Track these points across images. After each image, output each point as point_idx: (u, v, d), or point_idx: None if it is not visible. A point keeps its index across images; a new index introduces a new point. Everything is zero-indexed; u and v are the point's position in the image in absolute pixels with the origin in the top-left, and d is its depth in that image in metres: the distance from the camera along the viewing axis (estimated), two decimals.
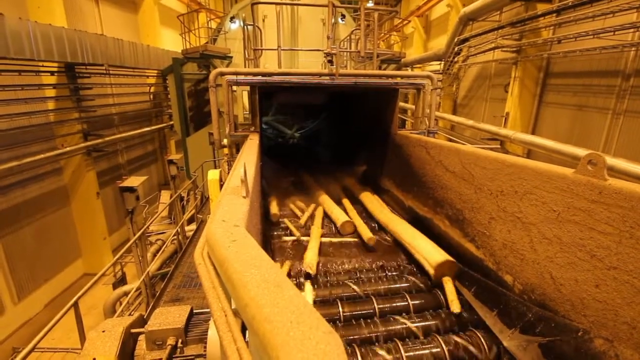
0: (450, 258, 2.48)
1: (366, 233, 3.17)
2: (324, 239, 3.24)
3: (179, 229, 7.36)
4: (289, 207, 3.96)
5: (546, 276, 1.85)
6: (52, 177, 9.71)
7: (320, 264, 2.84)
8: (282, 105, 8.65)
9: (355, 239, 3.27)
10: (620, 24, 5.84)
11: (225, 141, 3.83)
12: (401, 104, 12.21)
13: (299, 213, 3.73)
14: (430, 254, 2.56)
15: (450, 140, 9.90)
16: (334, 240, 3.26)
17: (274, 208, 3.68)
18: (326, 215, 3.86)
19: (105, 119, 11.67)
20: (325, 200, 4.05)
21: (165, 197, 12.42)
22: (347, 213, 3.81)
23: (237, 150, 3.87)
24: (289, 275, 2.73)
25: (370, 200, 3.97)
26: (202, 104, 12.20)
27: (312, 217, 3.68)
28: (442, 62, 11.75)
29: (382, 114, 4.43)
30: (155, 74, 14.24)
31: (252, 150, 2.81)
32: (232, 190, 1.69)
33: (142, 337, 2.41)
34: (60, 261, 9.89)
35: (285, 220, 3.49)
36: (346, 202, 4.09)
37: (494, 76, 10.42)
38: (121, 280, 7.71)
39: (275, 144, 8.56)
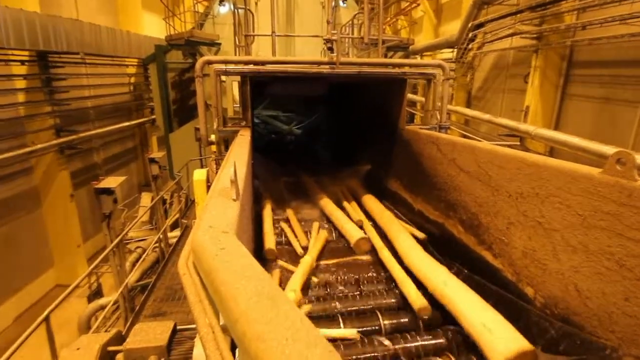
0: (530, 346, 1.77)
1: (411, 292, 2.46)
2: (326, 262, 3.09)
3: (161, 236, 7.35)
4: (283, 216, 3.93)
5: (570, 288, 1.85)
6: (22, 177, 9.69)
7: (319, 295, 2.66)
8: (276, 98, 8.66)
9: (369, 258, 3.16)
10: None
11: (212, 137, 3.83)
12: (409, 95, 12.21)
13: (295, 241, 3.38)
14: (499, 335, 1.77)
15: (464, 136, 9.90)
16: (343, 260, 3.09)
17: (269, 241, 3.18)
18: (328, 220, 3.85)
19: (80, 113, 11.64)
20: (328, 205, 4.01)
21: (146, 199, 12.40)
22: (349, 216, 3.82)
23: (226, 148, 3.87)
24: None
25: (381, 215, 3.75)
26: (188, 96, 12.20)
27: (307, 233, 3.57)
28: (455, 50, 11.76)
29: (388, 107, 4.43)
30: (135, 63, 14.24)
31: (243, 147, 2.81)
32: (220, 192, 1.69)
33: (120, 356, 2.40)
34: (30, 271, 9.86)
35: (281, 262, 3.03)
36: (355, 208, 3.98)
37: (512, 65, 10.43)
38: (97, 293, 7.69)
39: (269, 141, 8.56)
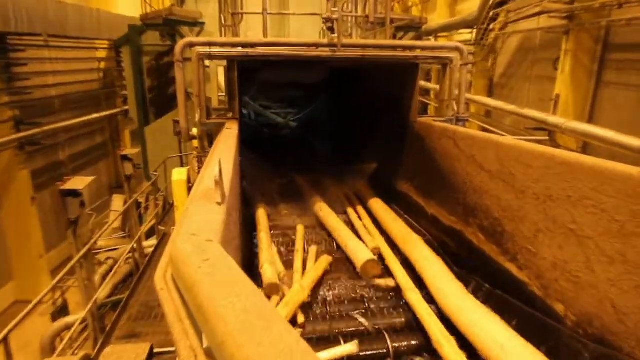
0: None
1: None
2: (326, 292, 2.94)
3: (135, 245, 7.34)
4: (276, 229, 3.91)
5: (606, 304, 1.85)
6: None
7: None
8: (268, 86, 8.66)
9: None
10: None
11: (194, 131, 3.83)
12: (422, 83, 12.21)
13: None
14: None
15: (485, 130, 9.91)
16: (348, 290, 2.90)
17: (269, 272, 2.84)
18: (329, 235, 3.84)
19: (43, 103, 11.63)
20: (330, 218, 3.93)
21: (117, 203, 12.38)
22: (358, 233, 3.71)
23: (210, 143, 3.88)
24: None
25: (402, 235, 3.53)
26: (166, 84, 12.21)
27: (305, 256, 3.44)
28: (474, 31, 11.76)
29: (397, 97, 4.43)
30: (106, 46, 14.22)
31: (229, 142, 2.81)
32: (203, 195, 1.69)
33: None
34: None
35: (275, 299, 2.75)
36: (371, 228, 3.87)
37: (539, 49, 10.44)
38: (62, 310, 7.67)
39: (260, 135, 8.57)
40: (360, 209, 4.27)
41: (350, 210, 4.19)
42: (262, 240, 3.45)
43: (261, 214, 4.02)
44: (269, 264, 2.97)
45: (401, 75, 4.36)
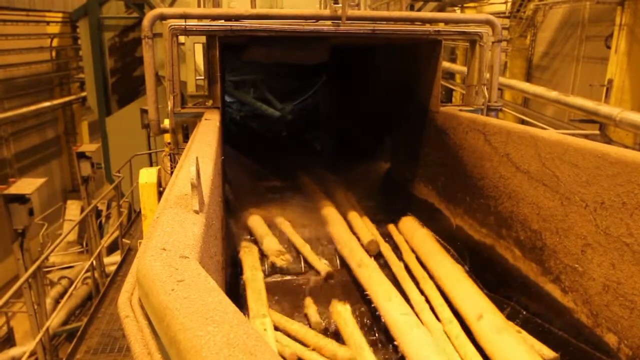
0: None
1: None
2: None
3: (94, 262, 7.33)
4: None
5: None
6: None
7: None
8: (257, 68, 8.66)
9: None
10: None
11: (166, 123, 3.83)
12: (445, 64, 12.19)
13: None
14: None
15: (522, 122, 9.91)
16: None
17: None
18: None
19: None
20: (352, 253, 3.65)
21: (73, 210, 12.38)
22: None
23: (186, 138, 3.87)
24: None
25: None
26: (132, 65, 12.17)
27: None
28: (509, 1, 11.77)
29: (415, 81, 4.44)
30: (59, 19, 14.23)
31: (209, 137, 2.81)
32: (177, 201, 1.69)
33: None
34: None
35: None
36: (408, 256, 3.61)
37: (588, 23, 10.44)
38: (7, 340, 7.66)
39: (246, 128, 8.57)
40: (394, 232, 4.04)
41: (366, 233, 3.94)
42: (248, 284, 3.28)
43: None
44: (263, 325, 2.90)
45: (420, 55, 4.36)
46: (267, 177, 5.55)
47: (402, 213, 4.45)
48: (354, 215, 4.28)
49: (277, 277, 3.66)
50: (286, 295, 3.45)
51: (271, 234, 3.97)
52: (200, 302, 1.03)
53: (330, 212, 4.30)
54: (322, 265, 3.67)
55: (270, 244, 3.83)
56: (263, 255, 3.78)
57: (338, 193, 4.78)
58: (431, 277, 3.32)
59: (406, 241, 3.93)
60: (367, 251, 3.69)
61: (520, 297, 2.78)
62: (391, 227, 4.19)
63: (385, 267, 3.58)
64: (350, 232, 3.97)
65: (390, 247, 3.86)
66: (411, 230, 3.97)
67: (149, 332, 1.14)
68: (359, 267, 3.46)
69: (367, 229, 4.06)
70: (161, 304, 1.06)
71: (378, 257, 3.71)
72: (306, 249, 3.85)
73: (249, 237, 4.07)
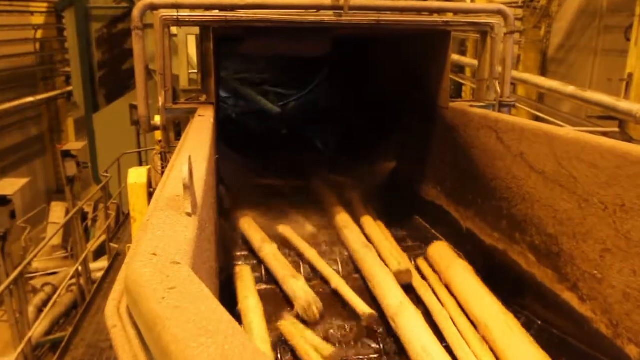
0: None
1: None
2: None
3: (80, 268, 7.35)
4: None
5: None
6: None
7: None
8: (253, 61, 8.67)
9: None
10: None
11: (157, 119, 3.84)
12: (455, 57, 12.17)
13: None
14: None
15: (537, 119, 9.90)
16: None
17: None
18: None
19: None
20: (381, 283, 3.28)
21: (57, 213, 12.40)
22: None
23: (178, 135, 3.88)
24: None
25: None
26: (121, 58, 12.20)
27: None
28: None
29: (422, 75, 4.45)
30: (44, 9, 14.24)
31: (202, 134, 2.82)
32: (168, 203, 1.70)
33: None
34: None
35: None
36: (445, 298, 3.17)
37: (607, 13, 10.43)
38: None
39: (242, 125, 8.57)
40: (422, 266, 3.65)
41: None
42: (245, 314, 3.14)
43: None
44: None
45: (427, 48, 4.36)
46: (265, 176, 5.55)
47: (409, 216, 4.46)
48: (373, 229, 4.02)
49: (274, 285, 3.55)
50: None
51: (285, 261, 3.62)
52: (193, 311, 1.04)
53: (344, 220, 4.14)
54: (363, 306, 3.12)
55: (297, 289, 3.27)
56: (260, 263, 3.77)
57: (353, 199, 4.69)
58: (475, 325, 2.90)
59: (436, 272, 3.49)
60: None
61: (534, 306, 2.79)
62: (420, 261, 3.73)
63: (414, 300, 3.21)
64: (377, 256, 3.55)
65: (421, 278, 3.46)
66: (445, 260, 3.52)
67: (138, 343, 1.14)
68: (396, 316, 2.94)
69: (395, 250, 3.67)
70: (151, 313, 1.07)
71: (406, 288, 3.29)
72: (338, 282, 3.40)
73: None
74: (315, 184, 5.14)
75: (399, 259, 3.53)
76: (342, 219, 4.20)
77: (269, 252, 3.72)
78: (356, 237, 3.88)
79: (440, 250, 3.66)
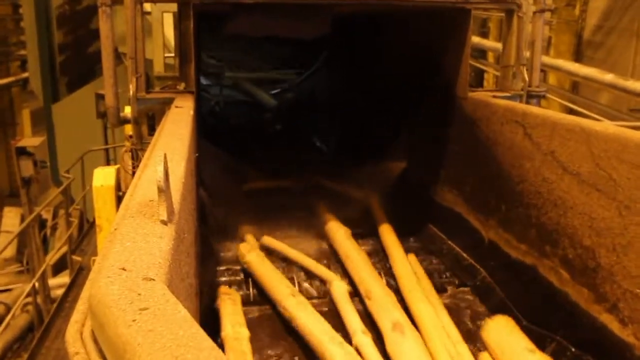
0: None
1: None
2: None
3: (36, 284, 7.32)
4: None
5: None
6: None
7: None
8: (240, 43, 8.66)
9: None
10: None
11: (127, 111, 3.83)
12: (475, 39, 12.19)
13: None
14: None
15: (571, 112, 9.92)
16: None
17: None
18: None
19: None
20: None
21: (11, 220, 12.38)
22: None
23: (152, 130, 3.86)
24: None
25: None
26: (85, 40, 12.19)
27: None
28: None
29: (437, 61, 4.45)
30: None
31: (180, 129, 2.81)
32: (140, 209, 1.69)
33: None
34: None
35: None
36: None
37: None
38: None
39: (226, 117, 8.58)
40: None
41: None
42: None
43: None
44: None
45: (444, 29, 4.36)
46: (254, 179, 5.54)
47: (421, 224, 4.44)
48: (409, 282, 3.60)
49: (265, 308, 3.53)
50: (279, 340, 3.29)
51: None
52: (168, 336, 1.03)
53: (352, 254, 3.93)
54: None
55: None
56: (247, 278, 3.76)
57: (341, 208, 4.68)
58: None
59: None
60: None
61: (567, 330, 2.78)
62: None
63: None
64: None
65: None
66: (508, 346, 3.00)
67: None
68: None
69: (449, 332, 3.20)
70: (120, 339, 1.06)
71: None
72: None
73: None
74: (316, 204, 4.93)
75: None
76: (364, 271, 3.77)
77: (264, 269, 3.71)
78: (390, 306, 3.33)
79: (500, 328, 3.08)
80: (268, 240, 4.20)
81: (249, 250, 3.87)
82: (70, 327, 1.28)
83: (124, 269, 1.31)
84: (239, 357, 2.95)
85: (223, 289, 3.64)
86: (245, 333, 3.15)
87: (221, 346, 3.05)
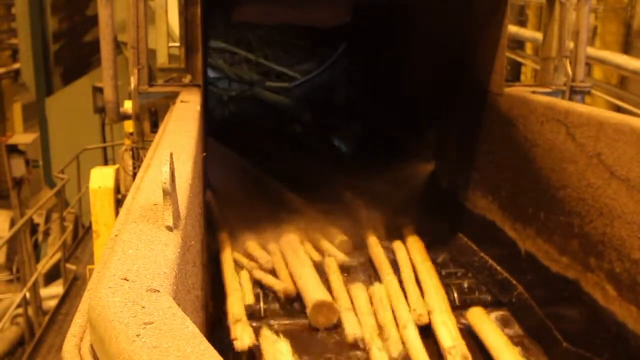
0: None
1: None
2: None
3: (28, 294, 7.39)
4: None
5: None
6: None
7: None
8: (251, 31, 8.69)
9: None
10: None
11: (128, 105, 3.86)
12: (512, 29, 12.14)
13: None
14: None
15: (619, 110, 9.86)
16: None
17: None
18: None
19: None
20: None
21: (0, 224, 12.50)
22: None
23: (154, 127, 3.88)
24: None
25: None
26: (82, 28, 12.30)
27: None
28: None
29: (469, 52, 4.45)
30: None
31: (186, 125, 2.83)
32: (143, 214, 1.69)
33: None
34: None
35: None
36: None
37: None
38: None
39: (235, 113, 8.60)
40: None
41: None
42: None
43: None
44: None
45: (476, 17, 4.36)
46: (267, 182, 5.56)
47: (451, 234, 4.43)
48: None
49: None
50: None
51: None
52: (175, 353, 1.03)
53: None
54: None
55: None
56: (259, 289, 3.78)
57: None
58: None
59: None
60: None
61: (613, 353, 2.75)
62: None
63: None
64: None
65: None
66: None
67: None
68: None
69: None
70: (122, 355, 1.06)
71: None
72: None
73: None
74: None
75: None
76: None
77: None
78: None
79: None
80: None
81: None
82: (67, 341, 1.28)
83: (126, 279, 1.31)
84: None
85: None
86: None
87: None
